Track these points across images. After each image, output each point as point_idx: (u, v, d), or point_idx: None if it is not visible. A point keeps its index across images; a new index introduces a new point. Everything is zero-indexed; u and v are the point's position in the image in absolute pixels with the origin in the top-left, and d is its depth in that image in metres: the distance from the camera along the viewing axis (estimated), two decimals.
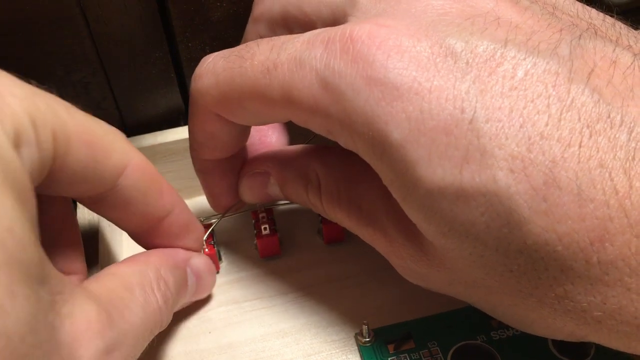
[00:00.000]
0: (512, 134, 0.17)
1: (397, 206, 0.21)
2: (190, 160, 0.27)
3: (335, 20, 0.22)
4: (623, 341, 0.19)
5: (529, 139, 0.17)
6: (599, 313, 0.18)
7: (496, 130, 0.17)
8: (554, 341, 0.25)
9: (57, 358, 0.16)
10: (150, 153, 0.31)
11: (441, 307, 0.26)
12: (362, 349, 0.25)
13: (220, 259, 0.30)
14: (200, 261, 0.26)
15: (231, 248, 0.31)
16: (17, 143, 0.16)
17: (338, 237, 0.30)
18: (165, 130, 0.32)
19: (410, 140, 0.18)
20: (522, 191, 0.17)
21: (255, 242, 0.30)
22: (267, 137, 0.29)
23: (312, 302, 0.28)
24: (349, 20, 0.21)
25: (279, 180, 0.27)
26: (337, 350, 0.26)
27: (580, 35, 0.19)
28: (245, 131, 0.26)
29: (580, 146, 0.17)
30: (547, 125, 0.17)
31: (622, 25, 0.20)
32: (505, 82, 0.18)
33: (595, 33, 0.19)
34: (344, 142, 0.21)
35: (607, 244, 0.17)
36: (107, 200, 0.22)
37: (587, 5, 0.21)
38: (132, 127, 0.34)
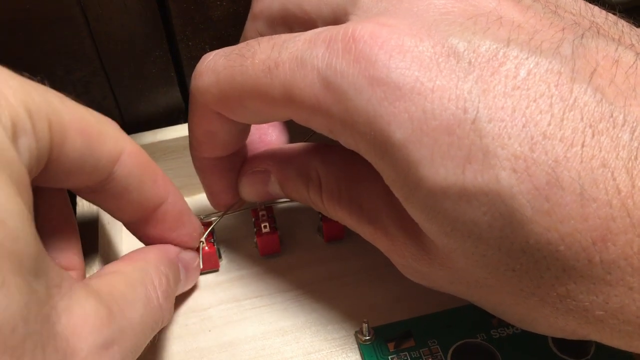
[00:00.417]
0: (514, 134, 0.17)
1: (398, 205, 0.21)
2: (190, 158, 0.27)
3: (336, 18, 0.22)
4: (625, 340, 0.19)
5: (532, 139, 0.17)
6: (601, 312, 0.18)
7: (499, 130, 0.17)
8: (554, 339, 0.25)
9: (52, 350, 0.16)
10: (150, 151, 0.31)
11: (441, 306, 0.26)
12: (362, 347, 0.25)
13: (220, 257, 0.30)
14: (189, 255, 0.27)
15: (231, 246, 0.31)
16: (14, 134, 0.16)
17: (338, 235, 0.30)
18: (164, 128, 0.32)
19: (412, 140, 0.18)
20: (525, 191, 0.17)
21: (255, 240, 0.30)
22: (267, 135, 0.29)
23: (312, 300, 0.28)
24: (351, 19, 0.21)
25: (279, 178, 0.27)
26: (337, 349, 0.26)
27: (582, 34, 0.19)
28: (245, 129, 0.26)
29: (582, 146, 0.17)
30: (549, 124, 0.17)
31: (625, 24, 0.20)
32: (508, 81, 0.18)
33: (598, 32, 0.19)
34: (346, 141, 0.21)
35: (609, 244, 0.17)
36: (103, 190, 0.22)
37: (590, 3, 0.21)
38: (132, 126, 0.34)
